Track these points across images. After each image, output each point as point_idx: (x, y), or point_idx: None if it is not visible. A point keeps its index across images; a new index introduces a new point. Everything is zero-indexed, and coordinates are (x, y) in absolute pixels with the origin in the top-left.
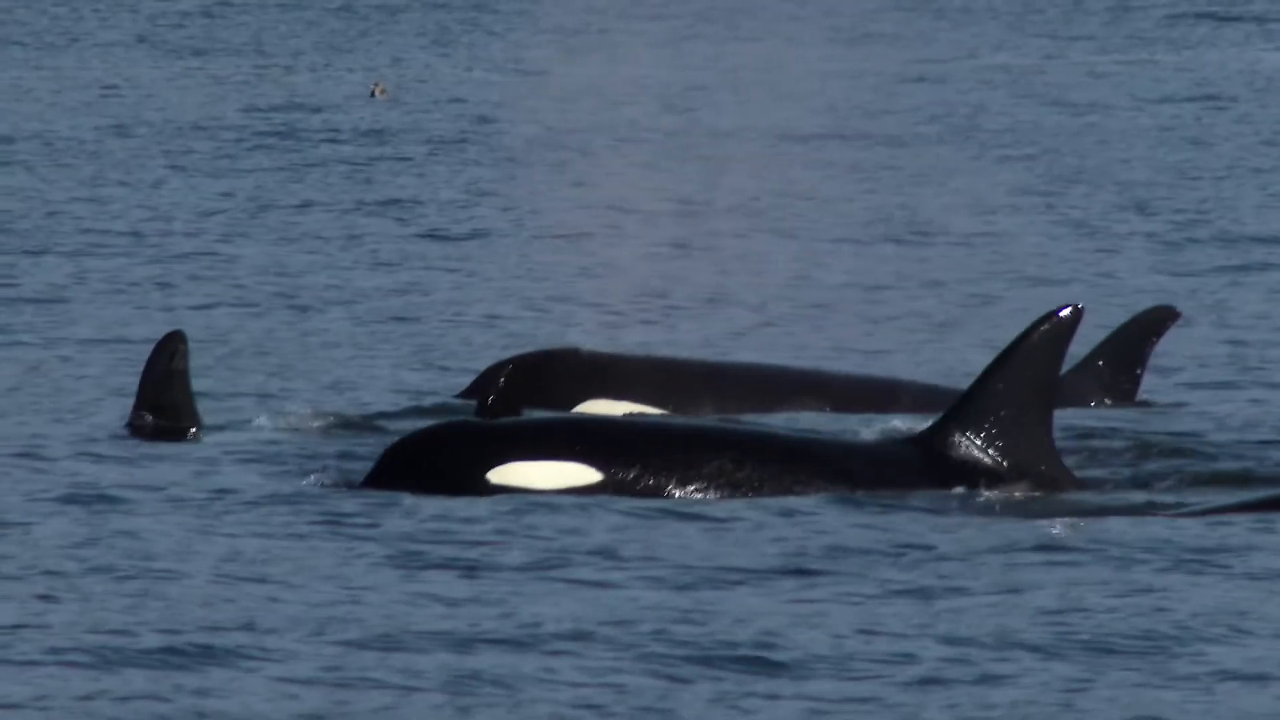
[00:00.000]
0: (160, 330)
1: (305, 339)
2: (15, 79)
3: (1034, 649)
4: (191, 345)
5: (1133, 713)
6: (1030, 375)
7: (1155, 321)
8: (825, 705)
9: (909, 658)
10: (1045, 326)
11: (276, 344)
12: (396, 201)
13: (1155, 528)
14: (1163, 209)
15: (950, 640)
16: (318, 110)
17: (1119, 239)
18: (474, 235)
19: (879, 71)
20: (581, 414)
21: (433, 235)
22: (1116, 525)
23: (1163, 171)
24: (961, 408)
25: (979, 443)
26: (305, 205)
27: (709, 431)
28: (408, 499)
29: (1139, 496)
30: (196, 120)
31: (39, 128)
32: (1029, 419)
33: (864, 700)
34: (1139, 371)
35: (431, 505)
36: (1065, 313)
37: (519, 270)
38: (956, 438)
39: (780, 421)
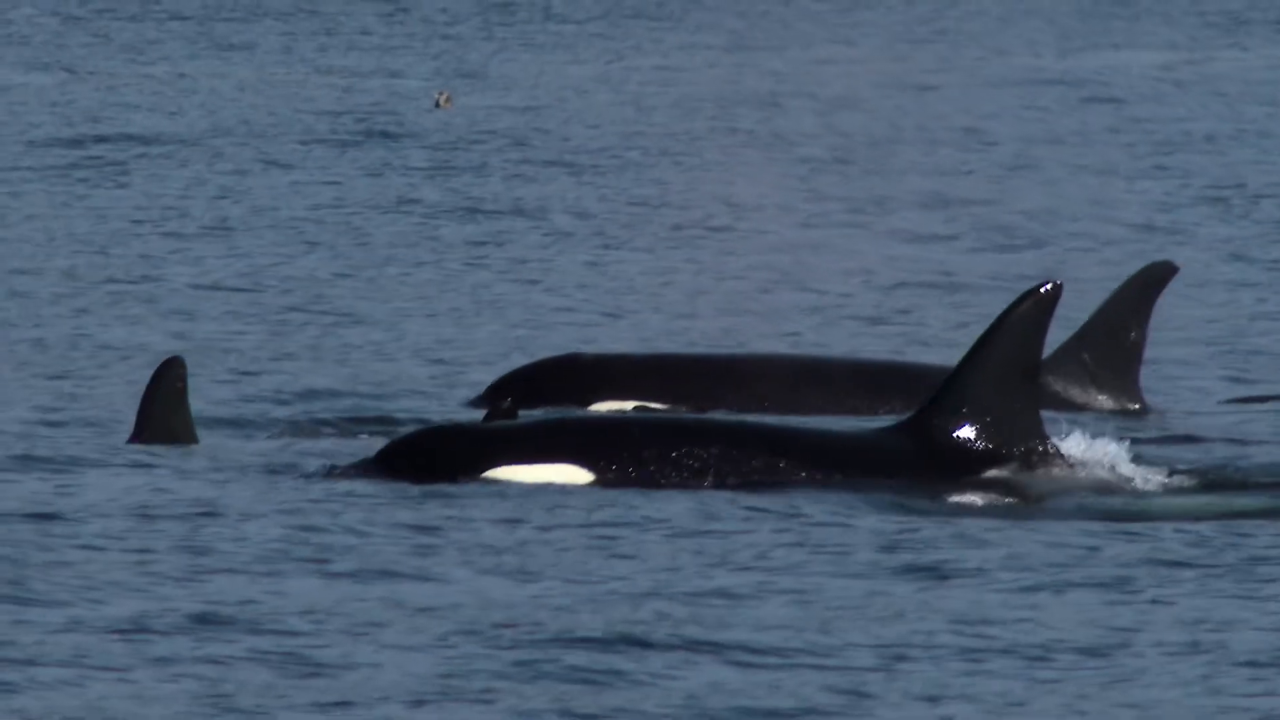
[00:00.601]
0: (239, 333)
1: (374, 343)
2: (69, 82)
3: (1155, 646)
4: (265, 350)
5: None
6: (1013, 354)
7: (1153, 279)
8: (953, 704)
9: (1035, 654)
10: (1026, 304)
11: (347, 347)
12: (471, 209)
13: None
14: (1245, 216)
15: (1061, 637)
16: (383, 119)
17: (1196, 240)
18: (548, 241)
19: (942, 74)
20: (571, 414)
21: (506, 241)
22: (1214, 526)
23: (1237, 172)
24: (946, 391)
25: (966, 426)
26: (378, 212)
27: (697, 426)
28: (509, 501)
29: (1227, 495)
30: (266, 126)
31: (103, 132)
32: (1015, 398)
33: (992, 697)
34: (1142, 331)
35: (530, 502)
36: (1045, 289)
37: (592, 275)
38: (943, 422)
39: (787, 411)
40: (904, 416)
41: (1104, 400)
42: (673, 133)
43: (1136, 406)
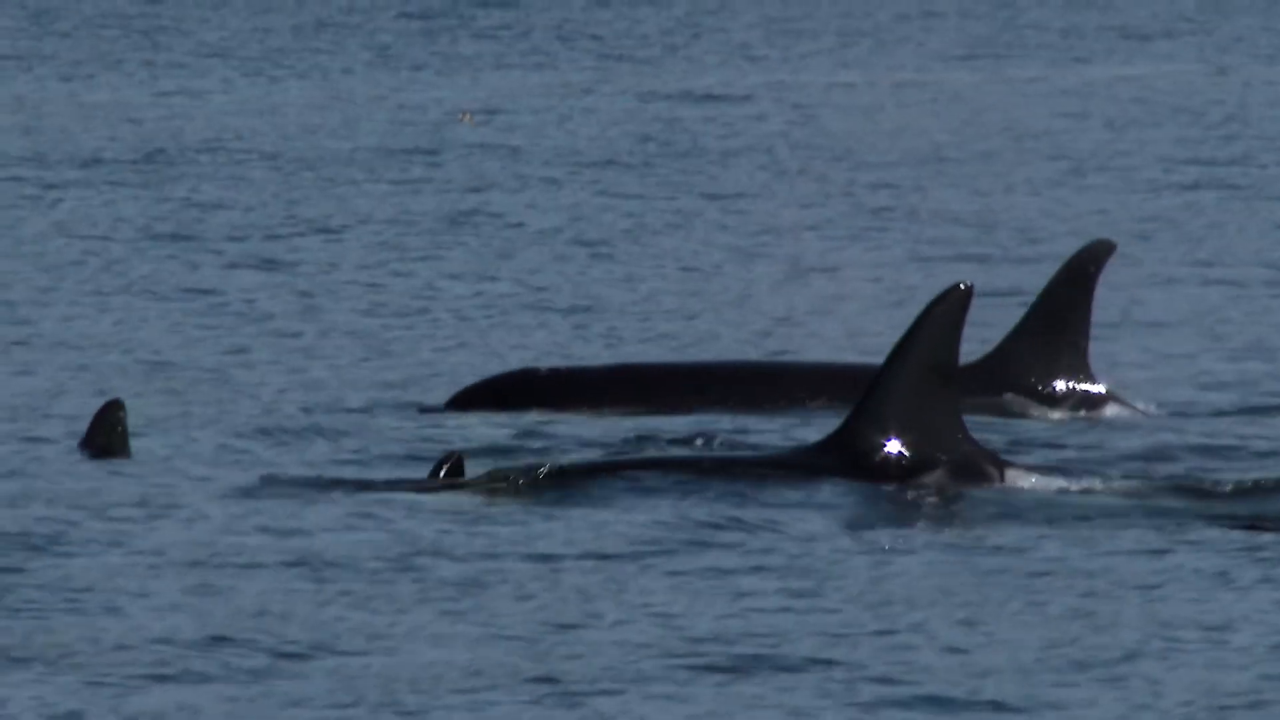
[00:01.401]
0: (283, 348)
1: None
2: (106, 98)
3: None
4: (316, 365)
5: None
6: (929, 360)
7: (1092, 258)
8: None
9: (1128, 656)
10: (937, 309)
11: (388, 358)
12: (502, 222)
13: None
14: None
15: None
16: (410, 137)
17: (1239, 256)
18: (589, 254)
19: (994, 85)
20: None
21: (541, 252)
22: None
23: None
24: (865, 404)
25: (889, 436)
26: (403, 226)
27: (621, 464)
28: (571, 517)
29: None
30: (294, 141)
31: (121, 151)
32: (935, 404)
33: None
34: (1087, 311)
35: (598, 515)
36: (955, 291)
37: (617, 288)
38: (866, 435)
39: (742, 417)
40: (827, 433)
41: (1059, 383)
42: (700, 146)
43: (1091, 386)
